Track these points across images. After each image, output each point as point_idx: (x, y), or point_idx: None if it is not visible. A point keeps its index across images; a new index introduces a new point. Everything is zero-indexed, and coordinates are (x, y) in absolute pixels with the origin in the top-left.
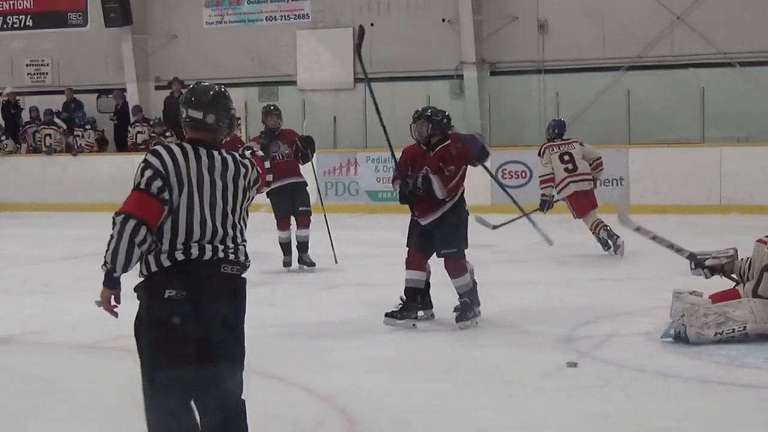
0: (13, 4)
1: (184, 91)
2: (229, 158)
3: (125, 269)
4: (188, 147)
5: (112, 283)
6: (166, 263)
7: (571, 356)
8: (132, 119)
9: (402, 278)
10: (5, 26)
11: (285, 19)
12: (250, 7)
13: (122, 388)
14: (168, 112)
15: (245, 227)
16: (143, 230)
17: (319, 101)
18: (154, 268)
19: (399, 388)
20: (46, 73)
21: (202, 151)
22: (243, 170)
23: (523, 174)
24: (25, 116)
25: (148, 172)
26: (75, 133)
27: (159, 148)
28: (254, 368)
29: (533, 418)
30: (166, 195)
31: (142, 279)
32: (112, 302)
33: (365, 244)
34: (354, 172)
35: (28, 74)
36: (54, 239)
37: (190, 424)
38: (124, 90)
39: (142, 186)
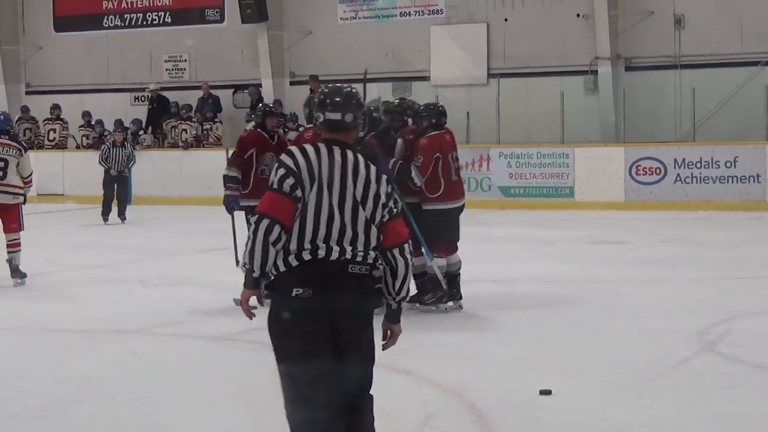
0: (153, 1)
1: (316, 92)
2: (362, 161)
3: (263, 269)
4: (322, 146)
5: (252, 284)
6: (294, 263)
7: (703, 354)
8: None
9: (535, 273)
10: (145, 23)
11: (419, 15)
12: (384, 2)
13: (255, 380)
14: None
15: (376, 235)
16: (277, 229)
17: (452, 96)
18: (282, 268)
19: (530, 385)
20: (184, 69)
21: (337, 151)
22: (375, 175)
23: (658, 171)
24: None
25: (281, 171)
26: (204, 126)
27: (294, 147)
28: (383, 363)
29: (664, 418)
30: (298, 192)
31: (272, 278)
32: (252, 302)
33: (497, 240)
34: (486, 168)
35: (166, 70)
36: (191, 233)
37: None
38: (260, 85)
39: (275, 185)
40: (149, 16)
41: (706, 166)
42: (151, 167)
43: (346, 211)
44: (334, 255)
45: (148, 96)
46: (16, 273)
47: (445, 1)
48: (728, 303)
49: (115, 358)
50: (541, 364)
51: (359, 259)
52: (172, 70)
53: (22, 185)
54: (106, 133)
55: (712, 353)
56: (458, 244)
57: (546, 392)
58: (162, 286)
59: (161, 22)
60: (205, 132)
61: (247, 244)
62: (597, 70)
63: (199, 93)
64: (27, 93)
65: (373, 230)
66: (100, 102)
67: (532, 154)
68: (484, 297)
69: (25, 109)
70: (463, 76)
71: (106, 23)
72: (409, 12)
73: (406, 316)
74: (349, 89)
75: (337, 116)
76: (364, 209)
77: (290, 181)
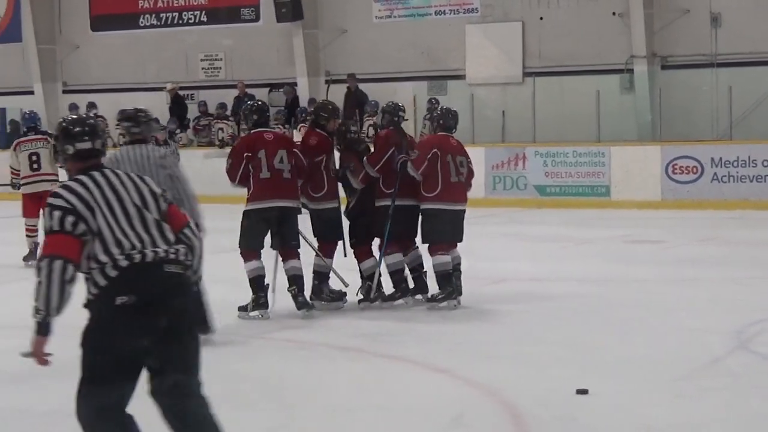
0: (189, 0)
1: (60, 123)
2: (122, 173)
3: (59, 310)
4: (84, 177)
5: (46, 330)
6: (113, 273)
7: (739, 353)
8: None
9: (570, 272)
10: (180, 21)
11: (454, 14)
12: (419, 1)
13: (288, 378)
14: (347, 105)
15: (170, 230)
16: (70, 268)
17: (488, 95)
18: (103, 283)
19: (566, 385)
20: (220, 68)
21: (97, 175)
22: (139, 178)
23: (695, 170)
24: (195, 110)
25: (57, 213)
26: (242, 126)
27: (59, 189)
28: (419, 361)
29: (702, 417)
30: (80, 227)
31: (91, 297)
32: (45, 350)
33: (533, 239)
34: (522, 167)
35: (202, 69)
36: (219, 232)
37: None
38: (295, 84)
39: (56, 227)
40: (185, 15)
41: (743, 165)
42: (186, 166)
43: (134, 221)
44: (149, 257)
45: (166, 96)
46: (31, 256)
47: (480, 0)
48: (764, 302)
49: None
50: (577, 363)
51: (171, 257)
52: (208, 69)
53: (57, 173)
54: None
55: (748, 352)
56: (485, 242)
57: (582, 392)
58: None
59: (197, 21)
60: (243, 131)
61: (39, 290)
62: (633, 69)
63: (235, 92)
64: (63, 92)
65: (166, 226)
66: (136, 101)
67: (567, 152)
68: (519, 296)
69: (92, 105)
70: (498, 75)
71: (142, 22)
72: (444, 11)
73: (429, 315)
74: (91, 119)
75: (88, 145)
76: (149, 210)
77: (70, 219)
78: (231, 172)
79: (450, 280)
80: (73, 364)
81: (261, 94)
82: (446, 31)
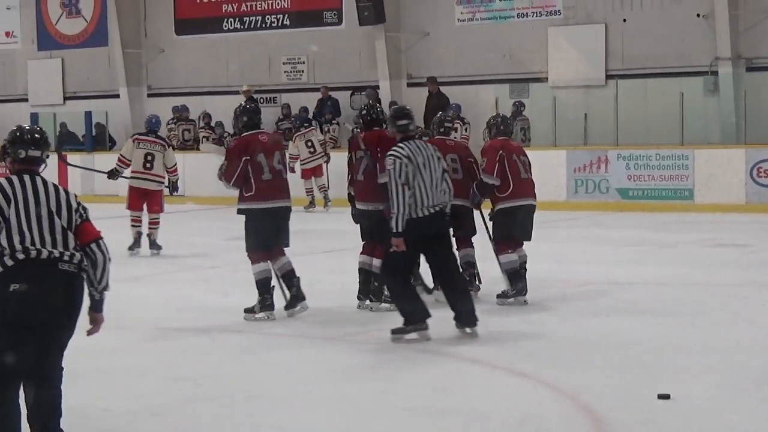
0: (272, 3)
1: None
2: (50, 183)
3: None
4: (14, 177)
5: None
6: (9, 263)
7: None
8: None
9: (653, 276)
10: (264, 25)
11: (536, 16)
12: (501, 4)
13: (368, 381)
14: (429, 111)
15: (73, 239)
16: None
17: (570, 98)
18: (1, 268)
19: (647, 390)
20: (302, 71)
21: (27, 177)
22: (63, 192)
23: None
24: (277, 113)
25: None
26: (324, 129)
27: None
28: (499, 365)
29: None
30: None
31: None
32: None
33: (615, 242)
34: (605, 170)
35: (284, 72)
36: (305, 233)
37: (12, 410)
38: (377, 87)
39: None
40: (268, 18)
41: None
42: None
43: (43, 222)
44: (44, 255)
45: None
46: (154, 245)
47: (562, 2)
48: None
49: (232, 356)
50: (659, 367)
51: (66, 258)
52: (291, 72)
53: (165, 175)
54: (225, 135)
55: None
56: (567, 245)
57: (664, 396)
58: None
59: (280, 24)
60: (324, 134)
61: None
62: (717, 71)
63: (317, 95)
64: (148, 95)
65: (70, 235)
66: (220, 104)
67: (651, 155)
68: (601, 299)
69: (183, 108)
70: (580, 78)
71: (225, 26)
72: (527, 13)
73: (506, 317)
74: (42, 131)
75: (37, 153)
76: (60, 218)
77: None
78: (227, 174)
79: (520, 277)
80: (152, 365)
81: (343, 97)
82: (528, 34)
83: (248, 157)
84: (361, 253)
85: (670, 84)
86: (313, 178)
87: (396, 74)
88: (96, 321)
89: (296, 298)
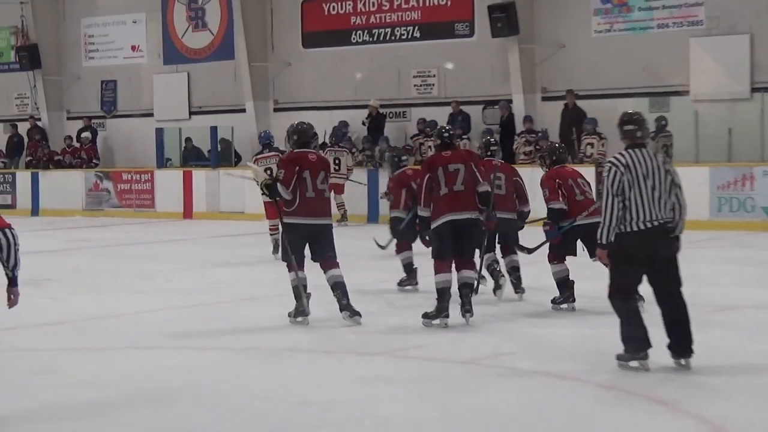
0: (401, 15)
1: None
2: None
3: None
4: None
5: None
6: None
7: None
8: (519, 130)
9: None
10: (393, 38)
11: (677, 27)
12: (640, 14)
13: (503, 406)
14: (564, 125)
15: None
16: None
17: (713, 112)
18: None
19: None
20: (433, 85)
21: None
22: None
23: None
24: (412, 128)
25: None
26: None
27: None
28: (638, 392)
29: None
30: None
31: None
32: None
33: (761, 264)
34: (750, 187)
35: (414, 86)
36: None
37: None
38: (510, 101)
39: None
40: (397, 31)
41: None
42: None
43: None
44: None
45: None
46: (276, 249)
47: (705, 12)
48: None
49: (360, 380)
50: None
51: None
52: (420, 85)
53: None
54: (354, 151)
55: None
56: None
57: None
58: (407, 308)
59: (410, 36)
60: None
61: None
62: None
63: (447, 109)
64: (275, 110)
65: None
66: (348, 118)
67: None
68: (746, 324)
69: (344, 124)
70: (723, 91)
71: (353, 39)
72: (667, 24)
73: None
74: None
75: None
76: None
77: None
78: (286, 180)
79: (568, 285)
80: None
81: (475, 111)
82: (669, 45)
83: (298, 168)
84: (437, 273)
85: None
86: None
87: (530, 88)
88: (15, 294)
89: (345, 308)
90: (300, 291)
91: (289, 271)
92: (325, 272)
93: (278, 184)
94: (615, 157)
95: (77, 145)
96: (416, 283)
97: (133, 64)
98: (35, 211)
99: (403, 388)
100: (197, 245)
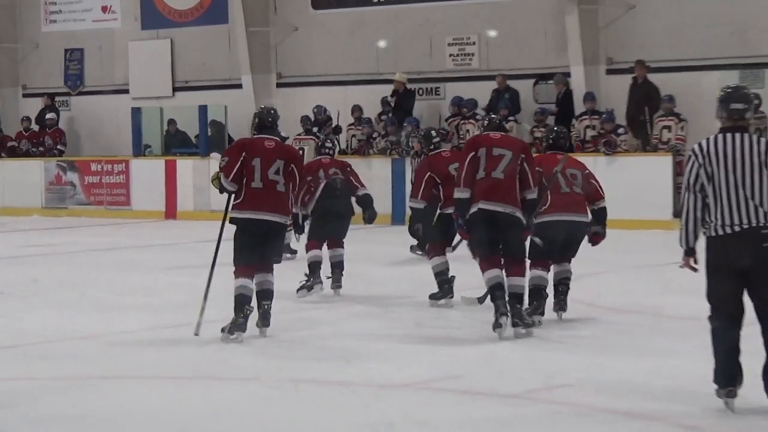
0: None
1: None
2: None
3: None
4: None
5: None
6: None
7: None
8: (578, 111)
9: None
10: None
11: None
12: None
13: None
14: (632, 101)
15: None
16: None
17: None
18: None
19: None
20: (472, 55)
21: None
22: None
23: None
24: (438, 108)
25: None
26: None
27: None
28: (670, 419)
29: None
30: None
31: None
32: None
33: None
34: None
35: (450, 55)
36: None
37: None
38: (568, 75)
39: None
40: None
41: None
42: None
43: None
44: None
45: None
46: (287, 248)
47: None
48: None
49: (382, 417)
50: None
51: None
52: (457, 55)
53: None
54: (374, 135)
55: None
56: None
57: None
58: (441, 328)
59: None
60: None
61: None
62: None
63: (491, 84)
64: (278, 85)
65: None
66: (368, 95)
67: None
68: None
69: (357, 108)
70: None
71: None
72: None
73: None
74: None
75: None
76: None
77: None
78: (226, 168)
79: (542, 295)
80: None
81: (524, 87)
82: (764, 6)
83: (245, 155)
84: (483, 272)
85: None
86: None
87: (592, 58)
88: None
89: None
90: (244, 302)
91: (235, 276)
92: (254, 275)
93: (221, 174)
94: (698, 144)
95: (36, 128)
96: (452, 296)
97: (104, 28)
98: None
99: (433, 428)
100: (182, 252)
